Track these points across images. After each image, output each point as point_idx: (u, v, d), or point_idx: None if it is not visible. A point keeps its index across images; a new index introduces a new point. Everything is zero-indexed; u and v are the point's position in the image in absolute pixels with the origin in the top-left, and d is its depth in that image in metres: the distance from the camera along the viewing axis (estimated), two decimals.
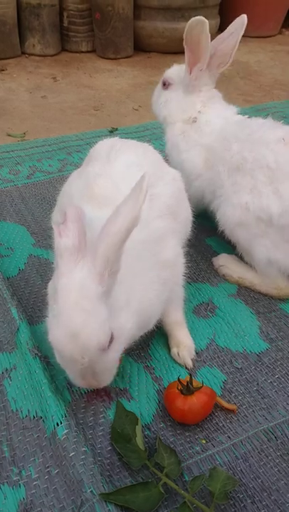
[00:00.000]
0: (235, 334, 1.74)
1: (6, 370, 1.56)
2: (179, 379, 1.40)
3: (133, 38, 4.87)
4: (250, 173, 1.79)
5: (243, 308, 1.85)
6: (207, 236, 2.22)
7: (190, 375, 1.42)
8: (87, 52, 4.98)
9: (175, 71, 2.23)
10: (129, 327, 1.30)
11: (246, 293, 1.93)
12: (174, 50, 4.75)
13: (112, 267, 1.18)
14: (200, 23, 1.88)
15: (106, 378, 1.30)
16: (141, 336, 1.64)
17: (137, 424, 1.36)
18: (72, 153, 2.98)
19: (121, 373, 1.58)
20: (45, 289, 1.53)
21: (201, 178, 2.03)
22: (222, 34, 2.03)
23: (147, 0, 4.66)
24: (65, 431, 1.32)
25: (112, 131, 3.25)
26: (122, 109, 3.76)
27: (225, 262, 2.01)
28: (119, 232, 1.14)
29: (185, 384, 1.38)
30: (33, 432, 1.38)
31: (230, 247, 2.03)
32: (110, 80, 4.35)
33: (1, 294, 1.79)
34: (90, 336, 1.17)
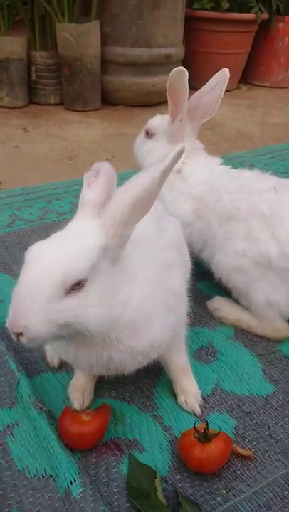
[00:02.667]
0: (240, 378, 1.72)
1: (8, 426, 1.47)
2: (194, 426, 1.36)
3: (101, 91, 5.01)
4: (244, 220, 1.81)
5: (243, 351, 1.84)
6: (197, 280, 2.22)
7: (206, 421, 1.37)
8: (56, 104, 5.06)
9: (158, 121, 2.26)
10: (100, 311, 1.14)
11: (243, 335, 1.93)
12: (140, 103, 4.86)
13: (118, 228, 1.13)
14: (181, 73, 1.90)
15: (36, 332, 1.09)
16: (144, 384, 1.60)
17: (156, 478, 1.30)
18: (52, 201, 2.96)
19: (129, 424, 1.52)
20: None
21: (190, 228, 2.02)
22: (203, 88, 2.08)
23: (114, 56, 4.82)
24: (81, 489, 1.25)
25: None
26: (96, 159, 3.71)
27: (219, 305, 2.01)
28: (131, 191, 1.11)
29: (202, 431, 1.34)
30: (44, 493, 1.29)
31: (221, 290, 2.03)
32: (81, 131, 4.41)
33: None
34: (65, 258, 1.09)
